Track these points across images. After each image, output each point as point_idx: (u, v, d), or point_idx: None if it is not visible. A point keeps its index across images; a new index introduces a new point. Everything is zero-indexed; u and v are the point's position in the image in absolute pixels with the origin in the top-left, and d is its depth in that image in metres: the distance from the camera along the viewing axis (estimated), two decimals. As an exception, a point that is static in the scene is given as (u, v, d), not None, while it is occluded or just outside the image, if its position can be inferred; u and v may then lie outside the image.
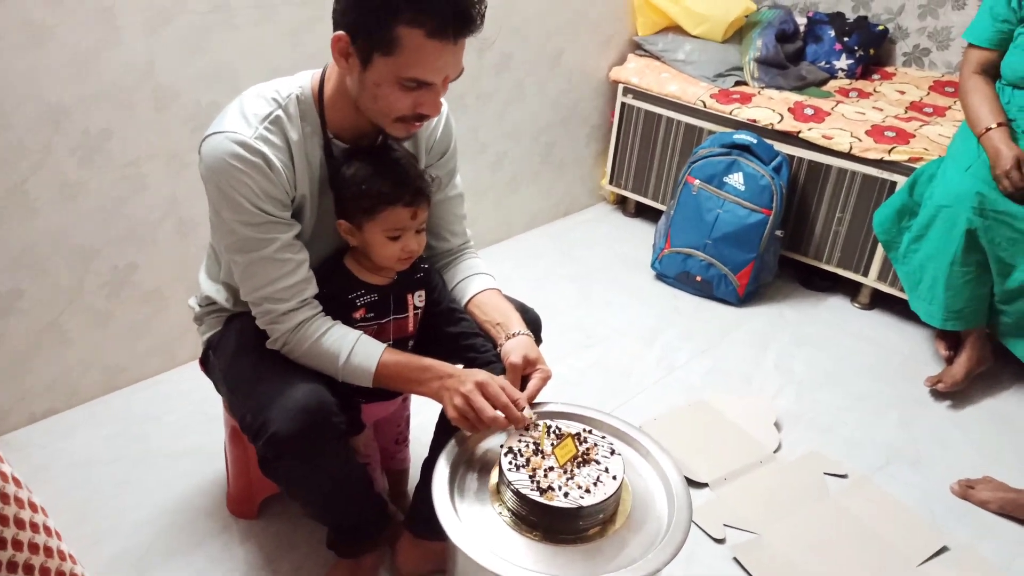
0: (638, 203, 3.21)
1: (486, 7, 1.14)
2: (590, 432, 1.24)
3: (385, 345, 1.30)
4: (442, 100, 1.26)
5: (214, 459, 1.80)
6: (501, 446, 1.20)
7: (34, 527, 0.78)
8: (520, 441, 1.20)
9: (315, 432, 1.21)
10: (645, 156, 3.06)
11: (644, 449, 1.29)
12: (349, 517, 1.45)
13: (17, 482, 0.81)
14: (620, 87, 3.03)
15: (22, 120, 1.64)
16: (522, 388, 1.29)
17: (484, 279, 1.47)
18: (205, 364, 1.49)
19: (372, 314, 1.36)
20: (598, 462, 1.18)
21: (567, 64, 2.87)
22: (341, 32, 1.14)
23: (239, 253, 1.24)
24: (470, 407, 1.20)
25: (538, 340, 1.52)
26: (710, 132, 2.82)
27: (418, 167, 1.34)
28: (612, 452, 1.20)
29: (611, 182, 3.22)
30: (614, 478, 1.15)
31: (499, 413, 1.20)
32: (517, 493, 1.12)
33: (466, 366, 1.37)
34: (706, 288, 2.67)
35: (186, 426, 1.92)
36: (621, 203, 3.32)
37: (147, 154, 1.86)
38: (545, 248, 2.97)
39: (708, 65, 2.91)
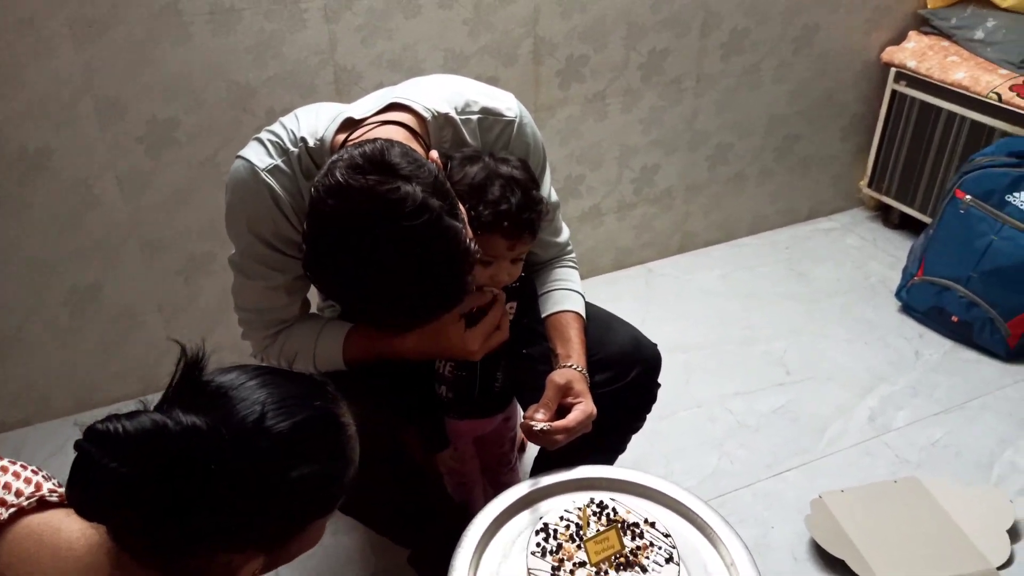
0: (903, 213, 2.65)
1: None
2: (652, 525, 0.99)
3: (346, 329, 1.22)
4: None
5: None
6: (541, 518, 1.01)
7: None
8: (562, 520, 1.00)
9: None
10: (916, 158, 2.50)
11: (729, 558, 1.00)
12: (418, 537, 1.36)
13: None
14: (892, 71, 2.49)
15: (212, 98, 1.75)
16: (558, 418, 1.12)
17: (569, 297, 1.31)
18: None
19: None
20: (644, 569, 0.93)
21: (822, 43, 2.41)
22: None
23: (235, 270, 1.22)
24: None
25: (655, 384, 1.29)
26: (1004, 134, 2.20)
27: (534, 194, 1.16)
28: (669, 559, 0.95)
29: (870, 185, 2.69)
30: (655, 597, 0.90)
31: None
32: (531, 585, 0.93)
33: (519, 382, 1.35)
34: (964, 332, 2.11)
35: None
36: (883, 211, 2.77)
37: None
38: (769, 258, 2.57)
39: (1014, 47, 2.26)
